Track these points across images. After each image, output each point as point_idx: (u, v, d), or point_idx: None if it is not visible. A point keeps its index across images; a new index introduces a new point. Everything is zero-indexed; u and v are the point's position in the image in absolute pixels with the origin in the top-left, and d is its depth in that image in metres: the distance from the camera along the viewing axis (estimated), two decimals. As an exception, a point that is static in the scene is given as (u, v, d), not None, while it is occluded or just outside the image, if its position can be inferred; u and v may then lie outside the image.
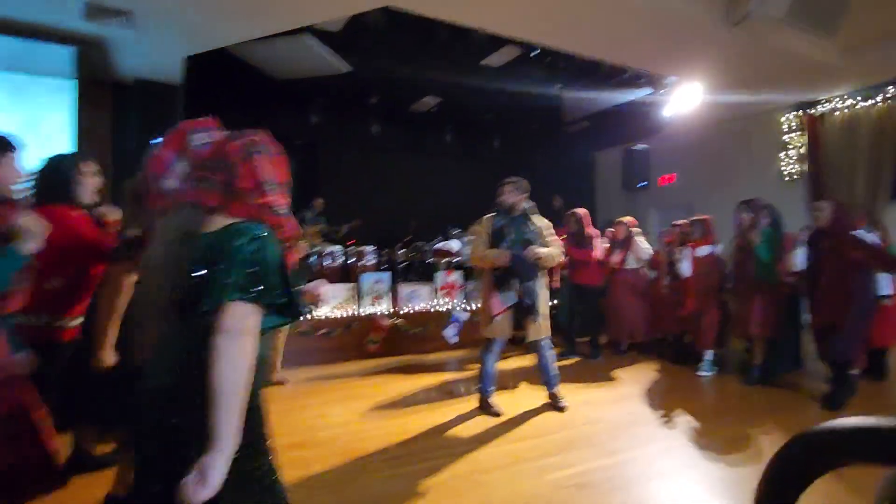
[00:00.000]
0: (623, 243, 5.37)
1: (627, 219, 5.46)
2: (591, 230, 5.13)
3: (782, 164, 7.40)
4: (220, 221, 1.25)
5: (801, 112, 7.13)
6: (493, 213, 3.54)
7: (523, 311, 3.41)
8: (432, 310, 5.81)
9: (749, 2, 4.31)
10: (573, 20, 4.59)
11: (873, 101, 6.40)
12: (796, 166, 7.27)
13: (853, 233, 3.63)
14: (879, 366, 4.33)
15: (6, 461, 1.55)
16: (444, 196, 9.25)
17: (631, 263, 5.36)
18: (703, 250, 4.64)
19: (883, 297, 3.83)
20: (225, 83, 6.81)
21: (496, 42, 5.46)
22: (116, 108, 5.46)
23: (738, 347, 4.93)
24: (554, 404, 3.64)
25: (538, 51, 5.75)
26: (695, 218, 4.81)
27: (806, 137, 7.15)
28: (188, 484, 1.06)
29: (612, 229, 5.60)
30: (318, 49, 5.79)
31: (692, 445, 2.99)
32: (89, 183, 2.36)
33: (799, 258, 3.89)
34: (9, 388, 1.59)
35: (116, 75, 5.38)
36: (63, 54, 4.61)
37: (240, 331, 1.13)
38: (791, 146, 7.31)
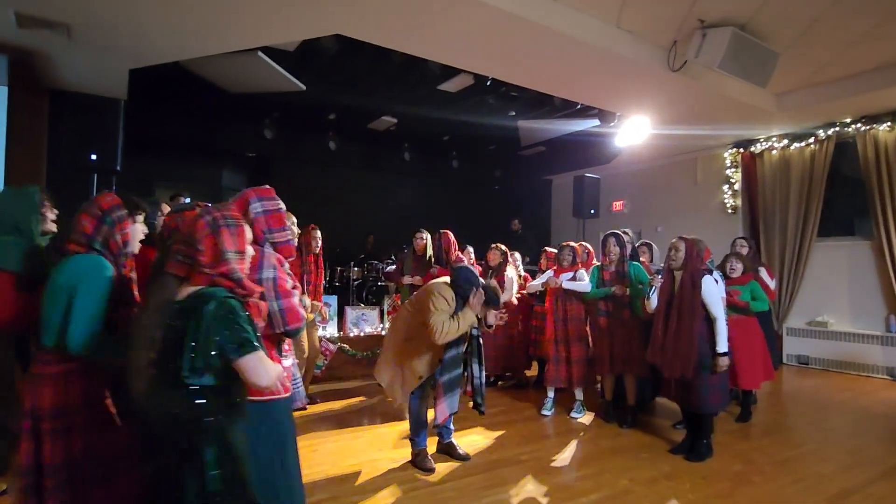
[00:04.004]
0: (496, 270, 4.97)
1: (502, 246, 5.16)
2: (456, 254, 4.74)
3: (725, 196, 7.76)
4: (187, 290, 1.50)
5: (739, 149, 7.52)
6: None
7: None
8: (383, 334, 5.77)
9: (686, 52, 4.52)
10: (521, 57, 4.71)
11: (804, 144, 6.81)
12: (737, 200, 7.65)
13: (703, 276, 3.31)
14: (745, 408, 4.30)
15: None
16: (401, 214, 9.25)
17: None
18: (565, 277, 4.29)
19: (719, 354, 3.30)
20: (176, 94, 6.63)
21: (451, 69, 5.53)
22: (53, 116, 5.24)
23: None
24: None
25: (491, 80, 5.85)
26: (565, 244, 4.53)
27: (740, 173, 7.56)
28: None
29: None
30: (272, 66, 5.72)
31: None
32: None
33: (653, 301, 3.57)
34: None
35: (54, 84, 5.18)
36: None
37: (256, 375, 1.47)
38: (733, 180, 7.69)
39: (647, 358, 3.59)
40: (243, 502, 1.49)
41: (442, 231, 4.82)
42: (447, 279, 3.19)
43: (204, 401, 1.44)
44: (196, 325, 1.41)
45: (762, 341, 4.26)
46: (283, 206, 2.02)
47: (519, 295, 5.18)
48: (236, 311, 1.46)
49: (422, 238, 5.08)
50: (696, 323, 3.27)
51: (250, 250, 1.69)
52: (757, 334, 4.21)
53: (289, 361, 2.06)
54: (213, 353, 1.41)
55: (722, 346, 3.28)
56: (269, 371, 1.50)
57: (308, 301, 4.20)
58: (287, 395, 1.98)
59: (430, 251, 4.95)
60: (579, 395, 4.37)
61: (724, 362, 3.28)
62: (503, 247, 5.12)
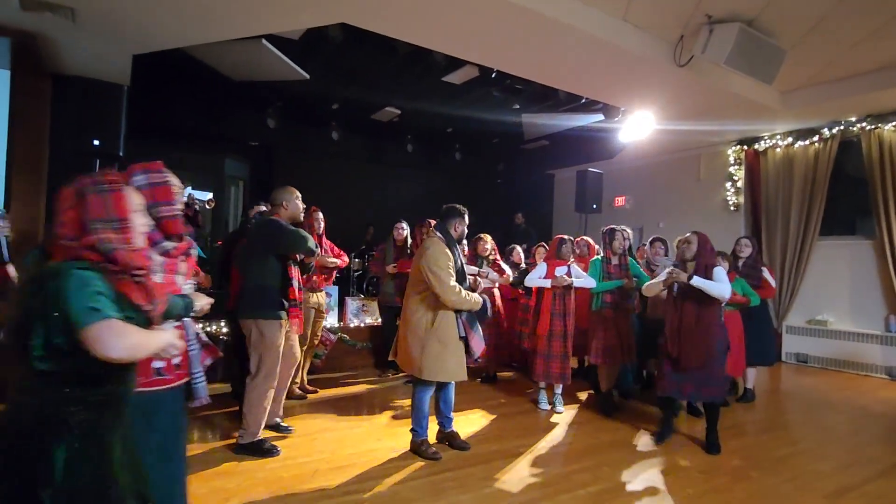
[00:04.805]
0: (488, 259, 5.01)
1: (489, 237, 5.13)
2: None
3: (727, 193, 7.74)
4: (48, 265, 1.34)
5: (743, 146, 7.50)
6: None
7: None
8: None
9: (692, 47, 4.50)
10: (527, 49, 4.68)
11: (808, 142, 6.79)
12: (740, 197, 7.64)
13: (716, 267, 3.42)
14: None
15: None
16: (403, 206, 9.22)
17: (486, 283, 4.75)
18: (560, 271, 4.21)
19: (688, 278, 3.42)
20: (179, 81, 6.60)
21: (456, 61, 5.50)
22: (56, 101, 5.23)
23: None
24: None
25: (496, 72, 5.82)
26: (566, 237, 4.43)
27: (743, 171, 7.55)
28: None
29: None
30: (276, 55, 5.69)
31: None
32: None
33: (653, 285, 3.62)
34: None
35: (58, 68, 5.15)
36: (-2, 43, 4.38)
37: (104, 346, 1.23)
38: (736, 178, 7.67)
39: (668, 351, 3.61)
40: None
41: (429, 220, 4.89)
42: (432, 240, 3.23)
43: (52, 388, 1.28)
44: (43, 301, 1.25)
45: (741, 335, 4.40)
46: (172, 179, 1.87)
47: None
48: (87, 281, 1.28)
49: (402, 229, 5.23)
50: (709, 311, 3.36)
51: (140, 218, 1.52)
52: (738, 327, 4.33)
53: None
54: (60, 329, 1.24)
55: (696, 278, 3.31)
56: (126, 341, 1.27)
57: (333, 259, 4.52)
58: (162, 387, 1.80)
59: (410, 241, 5.12)
60: (559, 389, 4.38)
61: (677, 275, 3.37)
62: (489, 237, 5.15)
